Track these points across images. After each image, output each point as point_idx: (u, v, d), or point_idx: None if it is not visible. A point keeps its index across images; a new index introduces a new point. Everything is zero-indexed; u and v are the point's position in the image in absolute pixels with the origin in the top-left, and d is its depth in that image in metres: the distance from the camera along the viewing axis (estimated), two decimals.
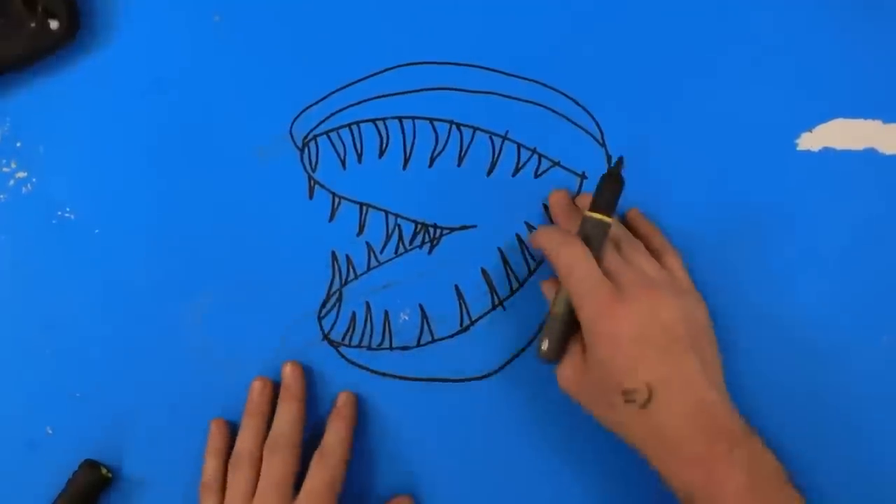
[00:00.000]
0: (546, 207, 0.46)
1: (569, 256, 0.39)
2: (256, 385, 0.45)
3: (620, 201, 0.41)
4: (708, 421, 0.37)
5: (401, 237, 0.46)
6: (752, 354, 0.44)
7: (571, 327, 0.41)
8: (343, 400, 0.45)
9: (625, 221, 0.45)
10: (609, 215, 0.40)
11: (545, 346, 0.41)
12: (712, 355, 0.40)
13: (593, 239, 0.40)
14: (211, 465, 0.44)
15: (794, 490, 0.36)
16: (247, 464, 0.43)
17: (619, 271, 0.40)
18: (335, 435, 0.44)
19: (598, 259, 0.40)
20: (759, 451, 0.37)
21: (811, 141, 0.45)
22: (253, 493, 0.42)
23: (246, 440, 0.44)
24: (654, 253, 0.43)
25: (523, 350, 0.46)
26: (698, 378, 0.37)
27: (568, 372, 0.41)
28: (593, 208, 0.41)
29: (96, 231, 0.47)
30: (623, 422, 0.38)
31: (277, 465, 0.42)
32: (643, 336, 0.37)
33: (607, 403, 0.38)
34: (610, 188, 0.40)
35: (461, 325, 0.46)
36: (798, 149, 0.45)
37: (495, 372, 0.46)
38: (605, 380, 0.38)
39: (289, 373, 0.45)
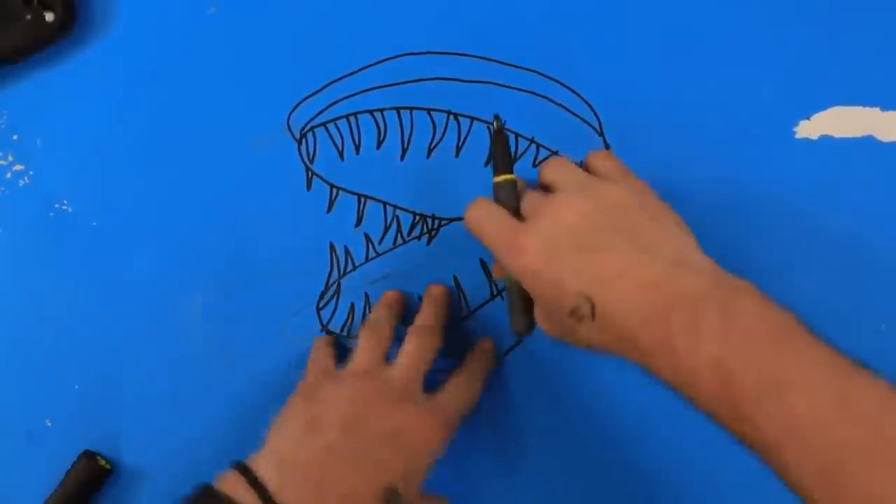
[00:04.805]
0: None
1: (473, 216, 0.37)
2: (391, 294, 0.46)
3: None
4: (657, 297, 0.32)
5: (399, 228, 0.46)
6: None
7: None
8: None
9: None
10: (510, 172, 0.39)
11: (513, 322, 0.39)
12: (658, 228, 0.35)
13: (506, 200, 0.39)
14: (381, 312, 0.44)
15: (807, 334, 0.31)
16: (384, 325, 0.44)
17: (529, 205, 0.37)
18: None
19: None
20: (738, 306, 0.31)
21: (809, 129, 0.44)
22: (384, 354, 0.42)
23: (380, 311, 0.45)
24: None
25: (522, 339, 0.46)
26: (632, 259, 0.33)
27: (542, 325, 0.38)
28: (495, 173, 0.40)
29: (94, 224, 0.48)
30: (597, 341, 0.34)
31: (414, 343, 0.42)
32: (553, 249, 0.34)
33: (572, 333, 0.35)
34: (499, 149, 0.40)
35: (460, 314, 0.46)
36: (796, 137, 0.44)
37: None
38: (555, 312, 0.35)
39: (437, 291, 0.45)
